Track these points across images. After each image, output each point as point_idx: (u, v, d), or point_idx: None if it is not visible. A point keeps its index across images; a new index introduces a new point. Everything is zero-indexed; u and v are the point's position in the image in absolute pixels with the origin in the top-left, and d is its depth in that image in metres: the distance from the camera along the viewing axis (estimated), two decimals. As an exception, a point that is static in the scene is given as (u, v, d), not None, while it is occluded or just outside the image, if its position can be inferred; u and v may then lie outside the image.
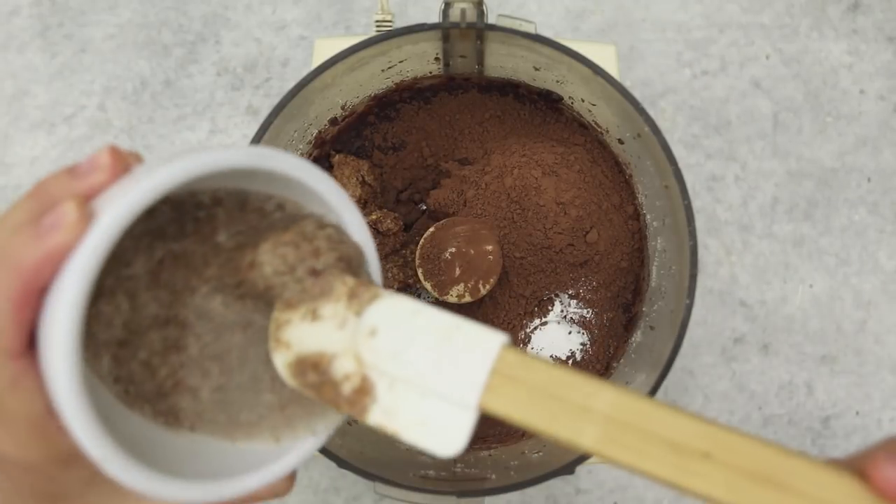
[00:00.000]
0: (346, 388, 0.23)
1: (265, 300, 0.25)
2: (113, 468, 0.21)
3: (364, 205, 0.46)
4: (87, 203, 0.21)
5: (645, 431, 0.21)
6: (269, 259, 0.24)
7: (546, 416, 0.21)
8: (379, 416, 0.22)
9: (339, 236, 0.25)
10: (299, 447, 0.25)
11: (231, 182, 0.26)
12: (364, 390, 0.23)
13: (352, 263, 0.25)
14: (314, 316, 0.24)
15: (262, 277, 0.24)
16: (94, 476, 0.23)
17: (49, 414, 0.21)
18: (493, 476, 0.40)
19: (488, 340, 0.22)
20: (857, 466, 0.20)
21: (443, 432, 0.22)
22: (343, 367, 0.23)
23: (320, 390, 0.23)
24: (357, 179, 0.46)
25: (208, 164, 0.22)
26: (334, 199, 0.25)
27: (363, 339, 0.23)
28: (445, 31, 0.39)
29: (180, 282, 0.25)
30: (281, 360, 0.24)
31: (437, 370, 0.22)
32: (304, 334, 0.24)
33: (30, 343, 0.21)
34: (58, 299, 0.19)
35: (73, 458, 0.22)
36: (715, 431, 0.20)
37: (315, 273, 0.24)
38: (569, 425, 0.21)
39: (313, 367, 0.23)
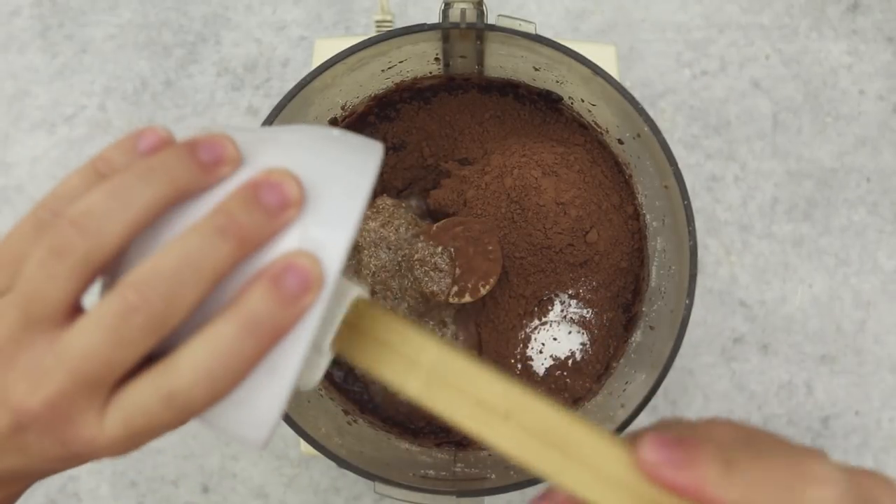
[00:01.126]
0: None
1: None
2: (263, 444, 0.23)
3: (364, 205, 0.46)
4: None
5: (459, 388, 0.23)
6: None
7: (381, 365, 0.24)
8: None
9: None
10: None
11: None
12: None
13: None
14: None
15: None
16: None
17: None
18: (493, 476, 0.40)
19: (346, 293, 0.25)
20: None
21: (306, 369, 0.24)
22: None
23: None
24: (357, 179, 0.46)
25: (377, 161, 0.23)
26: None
27: None
28: (445, 31, 0.39)
29: None
30: None
31: None
32: None
33: None
34: (300, 332, 0.21)
35: None
36: (518, 395, 0.23)
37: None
38: (398, 375, 0.24)
39: None
